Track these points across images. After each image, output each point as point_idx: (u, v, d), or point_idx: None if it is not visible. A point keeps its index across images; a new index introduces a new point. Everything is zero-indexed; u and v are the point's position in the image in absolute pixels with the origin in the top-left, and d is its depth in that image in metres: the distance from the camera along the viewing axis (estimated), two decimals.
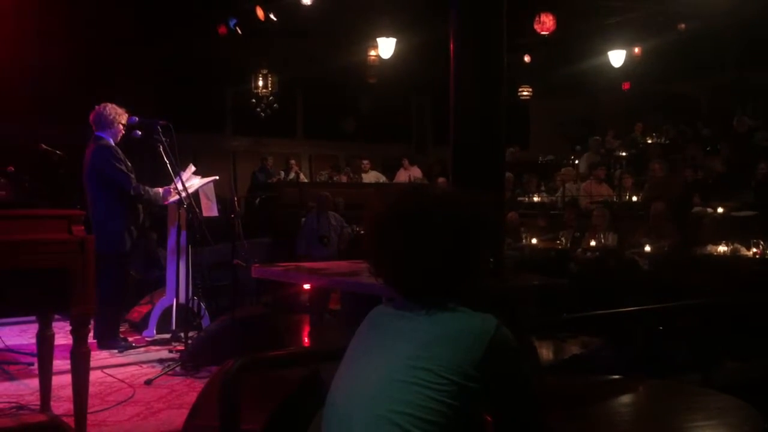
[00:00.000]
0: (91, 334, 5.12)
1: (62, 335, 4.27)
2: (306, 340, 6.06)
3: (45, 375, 3.66)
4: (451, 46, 2.89)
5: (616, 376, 3.11)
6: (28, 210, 3.34)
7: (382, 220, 1.77)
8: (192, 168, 5.76)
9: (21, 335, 5.59)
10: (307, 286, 6.30)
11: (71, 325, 3.28)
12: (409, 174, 12.68)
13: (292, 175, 12.70)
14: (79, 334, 3.26)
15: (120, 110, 5.48)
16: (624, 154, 12.03)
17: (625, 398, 2.47)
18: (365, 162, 12.92)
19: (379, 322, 1.78)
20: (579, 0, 9.61)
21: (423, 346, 1.64)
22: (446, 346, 1.63)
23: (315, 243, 7.92)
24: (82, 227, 3.24)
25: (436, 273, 1.70)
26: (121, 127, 5.47)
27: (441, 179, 10.47)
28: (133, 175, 5.47)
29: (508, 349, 1.66)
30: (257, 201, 12.00)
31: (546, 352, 5.66)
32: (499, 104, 2.85)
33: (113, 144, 5.46)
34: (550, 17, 9.38)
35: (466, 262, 1.72)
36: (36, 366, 3.83)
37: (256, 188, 12.05)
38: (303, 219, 9.27)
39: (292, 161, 13.04)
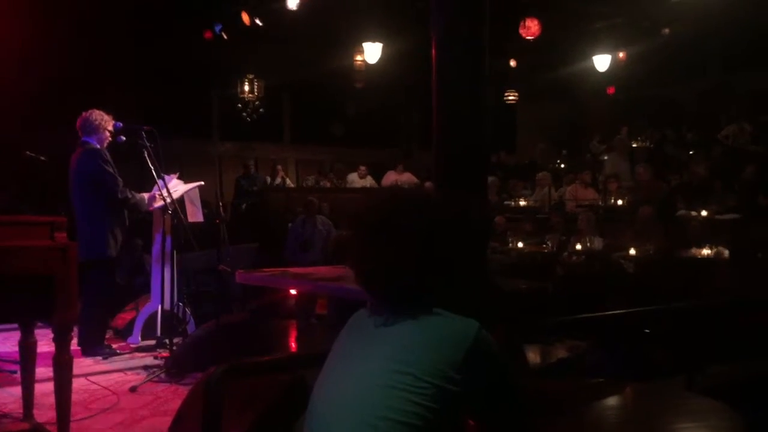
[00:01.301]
0: (75, 341, 5.13)
1: (45, 342, 4.22)
2: (292, 345, 6.05)
3: (27, 383, 3.62)
4: (433, 51, 2.90)
5: (601, 380, 3.12)
6: (10, 216, 3.32)
7: (357, 225, 1.77)
8: (176, 175, 5.74)
9: (3, 343, 5.54)
10: (293, 292, 6.30)
11: (53, 332, 3.25)
12: (397, 179, 12.67)
13: (278, 181, 12.67)
14: (61, 342, 3.24)
15: (107, 116, 5.47)
16: (605, 158, 12.08)
17: (609, 402, 2.48)
18: (361, 168, 12.91)
19: (358, 327, 1.78)
20: (564, 5, 9.67)
21: (403, 350, 1.63)
22: (427, 350, 1.63)
23: (299, 248, 7.92)
24: (65, 234, 3.22)
25: (412, 277, 1.69)
26: (108, 133, 5.46)
27: (428, 183, 10.47)
28: (120, 179, 5.45)
29: (489, 352, 1.66)
30: (244, 206, 11.97)
31: (533, 356, 5.67)
32: (481, 109, 2.86)
33: (99, 147, 5.44)
34: (536, 22, 9.43)
35: (443, 266, 1.71)
36: (19, 374, 3.80)
37: (240, 195, 12.00)
38: (290, 224, 9.26)
39: (279, 167, 13.01)
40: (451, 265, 1.73)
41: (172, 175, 5.66)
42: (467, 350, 1.62)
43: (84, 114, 5.46)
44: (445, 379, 1.60)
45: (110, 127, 5.45)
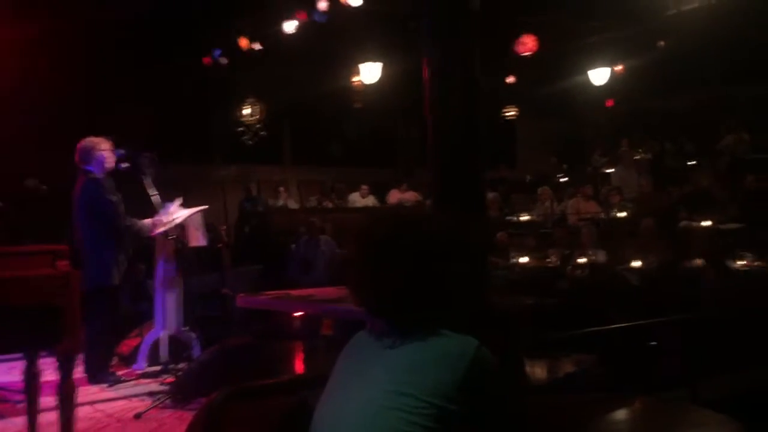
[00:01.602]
0: (81, 369, 5.13)
1: (51, 371, 4.23)
2: (298, 367, 6.03)
3: (32, 412, 3.62)
4: (424, 70, 2.93)
5: (607, 394, 3.11)
6: (12, 247, 3.33)
7: (354, 247, 1.79)
8: (179, 201, 5.77)
9: (9, 372, 5.53)
10: (298, 314, 6.30)
11: (57, 361, 3.25)
12: (401, 197, 12.69)
13: (281, 202, 12.70)
14: (65, 370, 3.24)
15: (96, 139, 5.49)
16: (611, 170, 12.11)
17: (615, 416, 2.48)
18: (363, 187, 12.94)
19: (359, 348, 1.79)
20: (559, 21, 9.73)
21: (404, 370, 1.64)
22: (427, 370, 1.63)
23: (303, 269, 7.93)
24: (67, 262, 3.23)
25: (410, 298, 1.70)
26: (105, 153, 5.46)
27: (428, 201, 10.48)
28: (122, 208, 5.48)
29: (488, 370, 1.66)
30: (247, 229, 11.98)
31: (540, 371, 5.65)
32: (475, 126, 2.87)
33: (101, 177, 5.47)
34: (532, 38, 9.50)
35: (441, 286, 1.72)
36: (23, 403, 3.79)
37: (243, 218, 12.04)
38: (293, 246, 9.28)
39: (281, 188, 13.05)
40: (449, 284, 1.74)
41: (175, 201, 5.69)
42: (466, 369, 1.63)
43: (77, 145, 5.51)
44: (445, 399, 1.60)
45: (105, 147, 5.46)
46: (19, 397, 4.45)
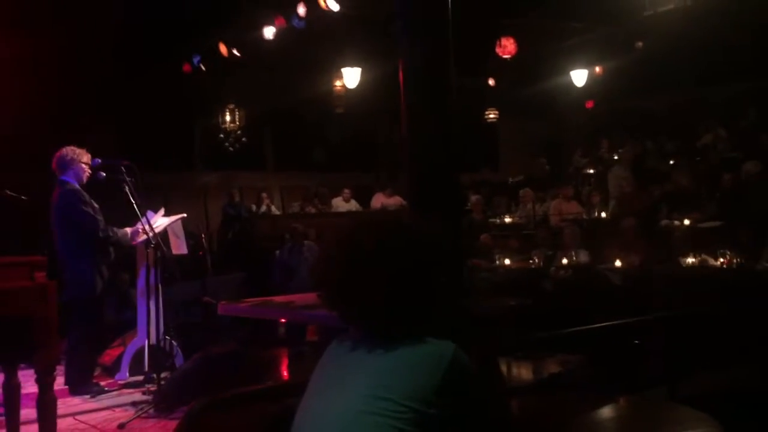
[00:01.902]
0: (62, 380, 5.09)
1: (31, 383, 4.19)
2: (283, 374, 6.01)
3: (12, 425, 3.58)
4: (400, 74, 2.93)
5: (587, 393, 3.13)
6: None
7: (330, 254, 1.78)
8: (162, 212, 5.74)
9: None
10: (282, 320, 6.27)
11: (36, 373, 3.23)
12: (385, 202, 12.69)
13: (263, 208, 12.66)
14: (44, 382, 3.22)
15: (79, 150, 5.47)
16: (591, 171, 12.19)
17: (595, 415, 2.49)
18: (345, 191, 12.92)
19: (337, 355, 1.79)
20: (538, 23, 9.79)
21: (382, 375, 1.64)
22: (405, 374, 1.63)
23: (287, 276, 7.90)
24: (44, 273, 3.20)
25: (386, 304, 1.70)
26: (84, 166, 5.44)
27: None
28: (100, 218, 5.44)
29: (466, 373, 1.67)
30: (230, 235, 11.94)
31: (525, 372, 5.67)
32: (451, 128, 2.88)
33: (78, 187, 5.44)
34: (511, 41, 9.54)
35: (417, 292, 1.72)
36: (3, 416, 3.76)
37: (227, 223, 11.99)
38: (277, 252, 9.24)
39: (264, 194, 13.01)
40: (426, 291, 1.74)
41: (158, 212, 5.67)
42: (444, 372, 1.63)
43: (56, 153, 5.48)
44: (424, 403, 1.60)
45: (85, 160, 5.44)
46: (0, 410, 4.41)
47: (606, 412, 2.53)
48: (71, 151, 5.45)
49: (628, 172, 10.46)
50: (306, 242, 8.70)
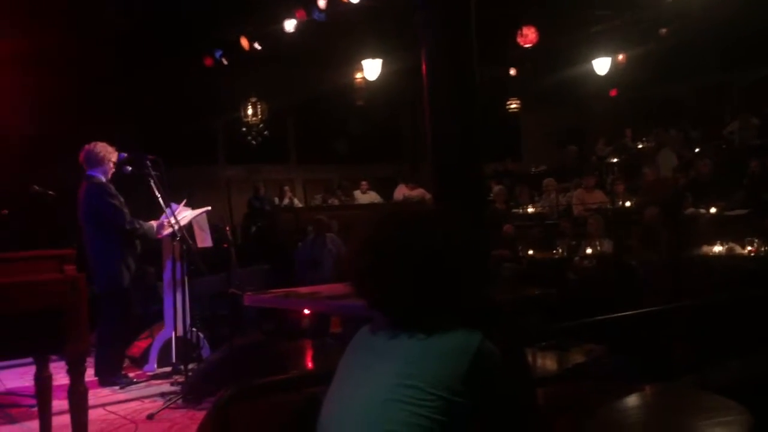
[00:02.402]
0: (92, 372, 5.17)
1: (62, 375, 4.26)
2: (308, 365, 6.05)
3: (45, 416, 3.65)
4: (423, 65, 2.93)
5: (615, 383, 3.12)
6: (19, 252, 3.35)
7: (359, 244, 1.80)
8: (184, 203, 5.79)
9: (21, 377, 5.58)
10: (306, 312, 6.31)
11: (67, 364, 3.28)
12: (408, 193, 12.68)
13: (286, 201, 12.73)
14: (75, 373, 3.27)
15: (110, 148, 5.53)
16: (615, 160, 12.08)
17: (622, 403, 2.48)
18: (363, 183, 12.95)
19: (364, 343, 1.80)
20: (560, 11, 9.70)
21: (408, 364, 1.65)
22: (432, 363, 1.64)
23: (310, 267, 7.94)
24: (74, 266, 3.25)
25: (414, 292, 1.71)
26: (112, 164, 5.51)
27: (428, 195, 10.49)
28: (126, 210, 5.50)
29: (493, 362, 1.68)
30: (254, 228, 12.02)
31: (549, 362, 5.66)
32: (474, 120, 2.87)
33: (104, 181, 5.50)
34: (533, 30, 9.46)
35: (444, 282, 1.73)
36: (36, 408, 3.82)
37: (253, 215, 12.08)
38: (300, 244, 9.29)
39: (286, 187, 13.08)
40: (453, 280, 1.75)
41: (180, 204, 5.72)
42: (471, 362, 1.64)
43: (86, 147, 5.52)
44: (450, 392, 1.61)
45: (114, 158, 5.51)
46: (32, 401, 4.49)
47: (632, 400, 2.52)
48: (102, 147, 5.51)
49: (674, 154, 10.32)
50: (328, 235, 8.73)
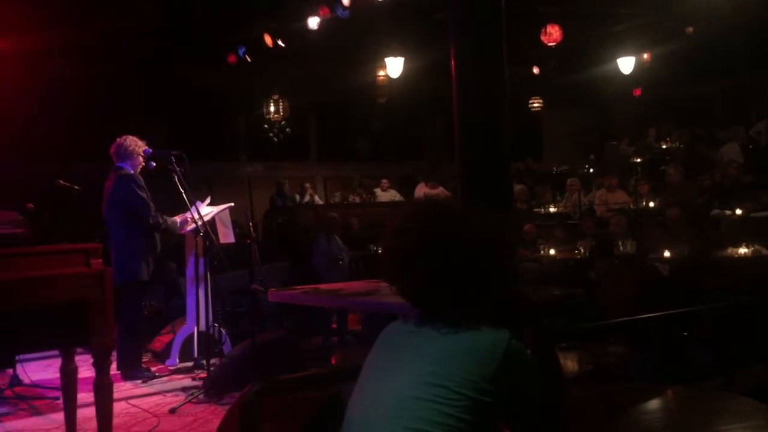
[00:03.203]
0: (114, 366, 5.21)
1: (86, 368, 4.29)
2: (327, 362, 6.06)
3: (70, 408, 3.68)
4: (452, 63, 2.91)
5: (640, 384, 3.09)
6: (46, 246, 3.39)
7: (395, 240, 1.79)
8: (207, 200, 5.82)
9: (45, 370, 5.64)
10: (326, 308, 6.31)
11: (93, 357, 3.31)
12: (428, 192, 12.66)
13: (307, 198, 12.76)
14: (101, 366, 3.29)
15: (140, 142, 5.58)
16: (639, 160, 11.98)
17: (650, 405, 2.46)
18: (384, 181, 12.96)
19: (392, 340, 1.79)
20: (585, 10, 9.63)
21: (437, 362, 1.64)
22: (460, 362, 1.63)
23: (328, 265, 7.91)
24: (100, 260, 3.28)
25: (446, 290, 1.70)
26: (141, 158, 5.56)
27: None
28: (152, 205, 5.54)
29: (521, 362, 1.66)
30: (275, 225, 12.06)
31: (571, 363, 5.62)
32: (502, 119, 2.85)
33: (133, 173, 5.55)
34: (557, 28, 9.39)
35: (476, 279, 1.72)
36: (61, 400, 3.86)
37: (274, 212, 12.12)
38: (316, 243, 9.25)
39: (307, 185, 13.11)
40: (485, 277, 1.74)
41: (204, 201, 5.75)
42: (499, 361, 1.63)
43: (118, 140, 5.58)
44: (478, 391, 1.60)
45: (141, 151, 5.55)
46: (56, 393, 4.54)
47: (660, 402, 2.49)
48: (133, 142, 5.56)
49: (739, 149, 10.16)
50: (335, 236, 8.59)
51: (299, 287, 3.99)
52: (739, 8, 8.99)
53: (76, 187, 5.64)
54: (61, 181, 5.64)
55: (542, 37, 9.45)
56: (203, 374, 5.20)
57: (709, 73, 12.24)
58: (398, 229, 1.79)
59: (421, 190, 12.81)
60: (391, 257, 1.79)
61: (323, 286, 4.10)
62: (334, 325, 7.14)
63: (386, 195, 12.72)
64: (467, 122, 2.88)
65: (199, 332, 5.68)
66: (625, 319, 4.57)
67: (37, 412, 4.58)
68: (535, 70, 11.38)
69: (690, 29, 9.91)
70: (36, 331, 3.08)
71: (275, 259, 9.05)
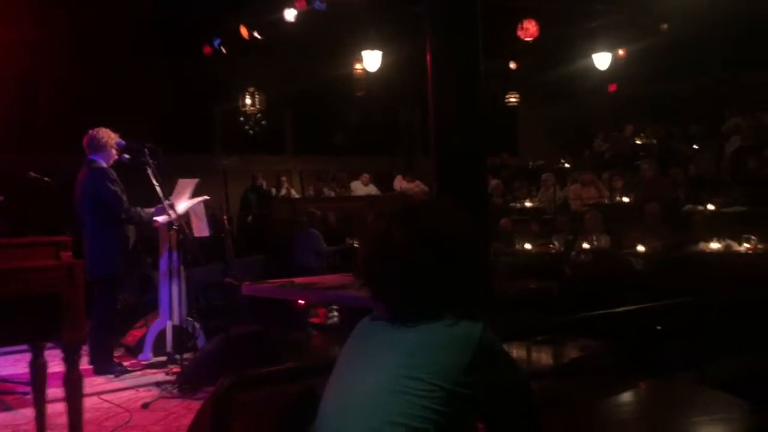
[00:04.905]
0: (87, 360, 5.14)
1: (57, 363, 4.23)
2: (303, 355, 6.04)
3: (40, 404, 3.62)
4: (428, 57, 2.90)
5: (613, 378, 3.11)
6: (14, 239, 3.33)
7: (365, 236, 1.78)
8: (197, 180, 5.75)
9: (15, 365, 5.54)
10: (301, 302, 6.30)
11: (63, 351, 3.25)
12: (406, 186, 12.67)
13: (283, 192, 12.70)
14: (70, 361, 3.24)
15: (113, 134, 5.49)
16: (612, 155, 12.05)
17: (621, 398, 2.47)
18: (365, 175, 12.92)
19: (366, 334, 1.78)
20: (561, 5, 9.67)
21: (411, 354, 1.64)
22: (434, 354, 1.63)
23: (309, 258, 7.90)
24: (70, 253, 3.22)
25: (416, 285, 1.70)
26: (114, 151, 5.48)
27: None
28: (125, 198, 5.47)
29: (495, 352, 1.67)
30: (249, 218, 11.99)
31: (545, 356, 5.66)
32: (477, 113, 2.85)
33: (106, 166, 5.47)
34: (533, 23, 9.44)
35: (445, 274, 1.71)
36: (31, 395, 3.80)
37: (247, 208, 12.04)
38: (293, 235, 9.23)
39: (283, 178, 13.05)
40: (454, 272, 1.73)
41: (193, 180, 5.69)
42: (473, 352, 1.63)
43: (90, 132, 5.49)
44: (454, 383, 1.60)
45: (115, 143, 5.48)
46: (26, 388, 4.46)
47: (629, 396, 2.51)
48: (106, 134, 5.47)
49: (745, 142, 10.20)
50: (312, 230, 8.58)
51: (273, 281, 3.96)
52: (713, 6, 9.08)
53: (45, 179, 5.55)
54: (32, 173, 5.55)
55: (519, 32, 9.49)
56: (177, 369, 5.15)
57: (683, 70, 12.35)
58: (368, 231, 1.78)
59: (398, 184, 12.82)
60: (361, 260, 1.78)
61: (298, 280, 4.09)
62: (313, 319, 7.12)
63: (365, 189, 12.69)
64: (442, 116, 2.88)
65: (172, 326, 5.63)
66: (599, 312, 4.59)
67: (7, 408, 4.51)
68: (512, 65, 11.42)
69: (665, 26, 10.01)
70: (4, 325, 3.02)
71: (250, 252, 9.01)
